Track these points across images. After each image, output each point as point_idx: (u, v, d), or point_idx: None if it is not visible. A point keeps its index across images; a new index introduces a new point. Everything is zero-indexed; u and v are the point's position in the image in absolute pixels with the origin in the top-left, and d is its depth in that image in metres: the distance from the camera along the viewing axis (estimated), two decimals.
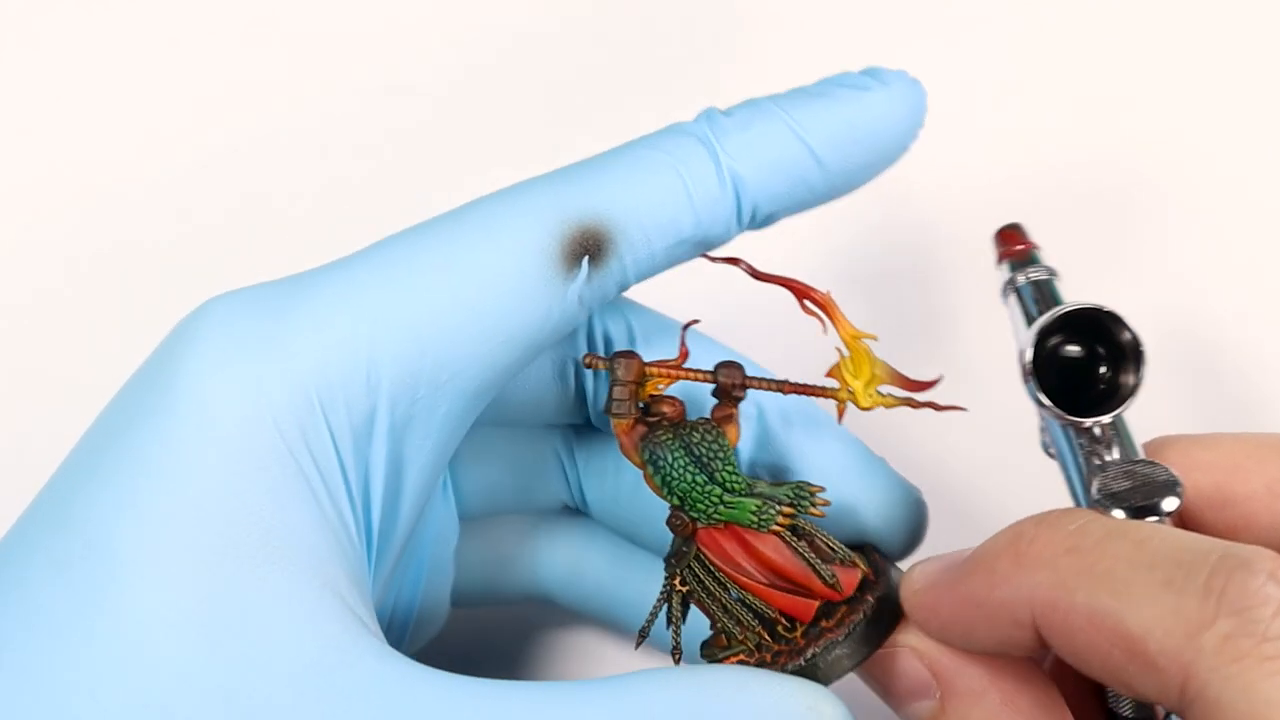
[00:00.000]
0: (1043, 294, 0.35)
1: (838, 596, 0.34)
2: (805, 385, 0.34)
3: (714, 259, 0.33)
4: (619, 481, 0.39)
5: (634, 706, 0.30)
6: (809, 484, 0.34)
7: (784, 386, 0.34)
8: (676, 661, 0.34)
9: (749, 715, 0.30)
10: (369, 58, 0.49)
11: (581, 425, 0.39)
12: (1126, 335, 0.32)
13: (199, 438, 0.29)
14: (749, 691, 0.30)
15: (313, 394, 0.30)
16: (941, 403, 0.33)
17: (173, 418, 0.30)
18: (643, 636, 0.35)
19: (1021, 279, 0.35)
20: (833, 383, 0.33)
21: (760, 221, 0.34)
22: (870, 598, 0.34)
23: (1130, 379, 0.33)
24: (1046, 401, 0.33)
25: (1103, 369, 0.33)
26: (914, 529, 0.37)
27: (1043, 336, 0.33)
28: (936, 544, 0.35)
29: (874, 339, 0.33)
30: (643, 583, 0.39)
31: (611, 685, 0.30)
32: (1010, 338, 0.34)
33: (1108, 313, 0.33)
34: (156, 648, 0.28)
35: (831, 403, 0.34)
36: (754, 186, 0.33)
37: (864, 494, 0.36)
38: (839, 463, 0.36)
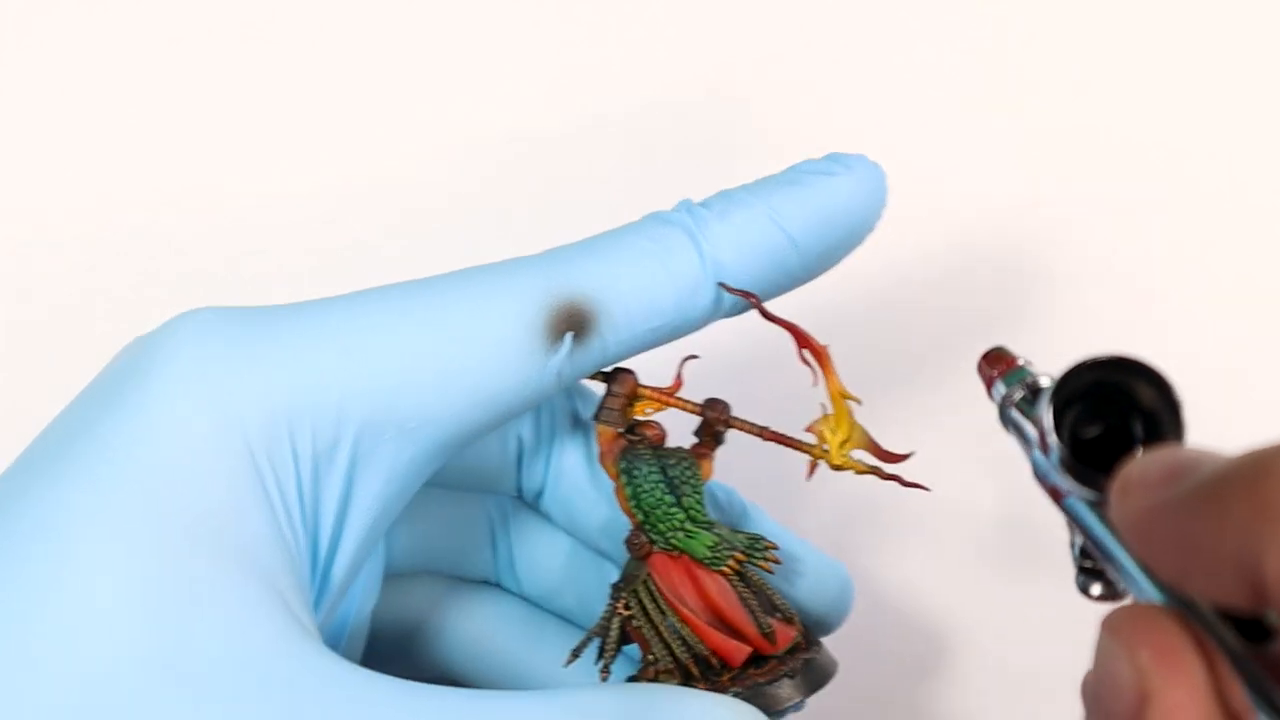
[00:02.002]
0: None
1: (770, 649, 0.35)
2: (784, 436, 0.35)
3: (731, 290, 0.34)
4: (552, 552, 0.39)
5: (575, 707, 0.30)
6: (765, 538, 0.36)
7: (764, 433, 0.35)
8: (604, 680, 0.35)
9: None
10: (373, 146, 0.50)
11: (513, 498, 0.40)
12: (1157, 390, 0.27)
13: (167, 437, 0.30)
14: (684, 704, 0.31)
15: (282, 415, 0.31)
16: (908, 479, 0.34)
17: (143, 415, 0.30)
18: (575, 655, 0.35)
19: (1019, 392, 0.32)
20: (810, 438, 0.35)
21: (738, 309, 0.35)
22: (803, 656, 0.35)
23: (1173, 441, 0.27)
24: (1071, 485, 0.27)
25: (1127, 437, 0.28)
26: (842, 605, 0.38)
27: (1060, 405, 0.28)
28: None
29: (858, 401, 0.34)
30: (555, 652, 0.39)
31: (551, 692, 0.31)
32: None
33: (1132, 363, 0.27)
34: (105, 625, 0.28)
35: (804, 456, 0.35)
36: (735, 273, 0.34)
37: (798, 564, 0.37)
38: (771, 532, 0.37)
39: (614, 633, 0.35)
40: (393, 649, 0.39)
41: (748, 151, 0.48)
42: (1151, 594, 0.25)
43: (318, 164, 0.49)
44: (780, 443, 0.35)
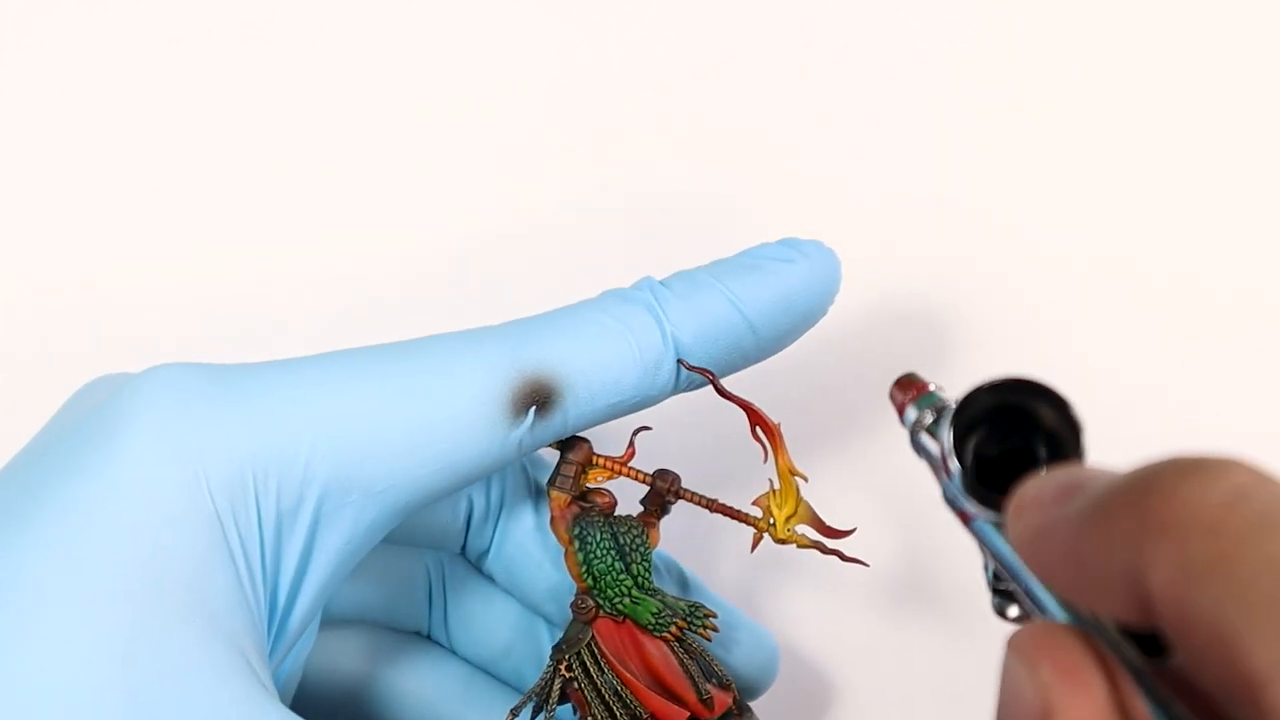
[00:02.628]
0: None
1: (706, 714, 0.36)
2: (730, 508, 0.36)
3: (689, 367, 0.35)
4: (489, 611, 0.40)
5: None
6: (705, 606, 0.37)
7: (712, 505, 0.36)
8: None
9: None
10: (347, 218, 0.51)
11: (453, 555, 0.40)
12: (1057, 411, 0.27)
13: (134, 494, 0.30)
14: None
15: (249, 473, 0.31)
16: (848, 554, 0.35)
17: (109, 472, 0.31)
18: (514, 715, 0.36)
19: (928, 416, 0.30)
20: (756, 511, 0.36)
21: (695, 386, 0.36)
22: None
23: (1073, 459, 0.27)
24: (976, 509, 0.27)
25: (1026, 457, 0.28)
26: (770, 672, 0.39)
27: (962, 428, 0.28)
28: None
29: (805, 479, 0.35)
30: (489, 712, 0.39)
31: None
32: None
33: (1032, 384, 0.27)
34: (75, 683, 0.28)
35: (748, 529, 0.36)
36: (693, 352, 0.35)
37: (733, 633, 0.38)
38: (710, 600, 0.39)
39: (555, 693, 0.36)
40: (325, 697, 0.40)
41: (694, 240, 0.49)
42: (1057, 613, 0.25)
43: (288, 234, 0.49)
44: (727, 515, 0.36)
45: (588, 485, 0.36)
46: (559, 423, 0.34)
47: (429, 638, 0.41)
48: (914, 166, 0.49)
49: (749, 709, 0.37)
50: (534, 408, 0.34)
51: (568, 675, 0.36)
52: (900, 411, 0.31)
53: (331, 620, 0.40)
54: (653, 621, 0.36)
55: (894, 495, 0.45)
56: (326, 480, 0.32)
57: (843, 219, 0.48)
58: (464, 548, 0.39)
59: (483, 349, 0.34)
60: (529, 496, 0.38)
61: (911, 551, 0.44)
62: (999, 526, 0.27)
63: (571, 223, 0.49)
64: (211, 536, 0.31)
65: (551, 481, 0.36)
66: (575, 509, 0.36)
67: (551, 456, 0.37)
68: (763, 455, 0.35)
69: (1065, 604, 0.25)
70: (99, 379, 0.35)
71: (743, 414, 0.35)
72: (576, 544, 0.36)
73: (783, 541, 0.35)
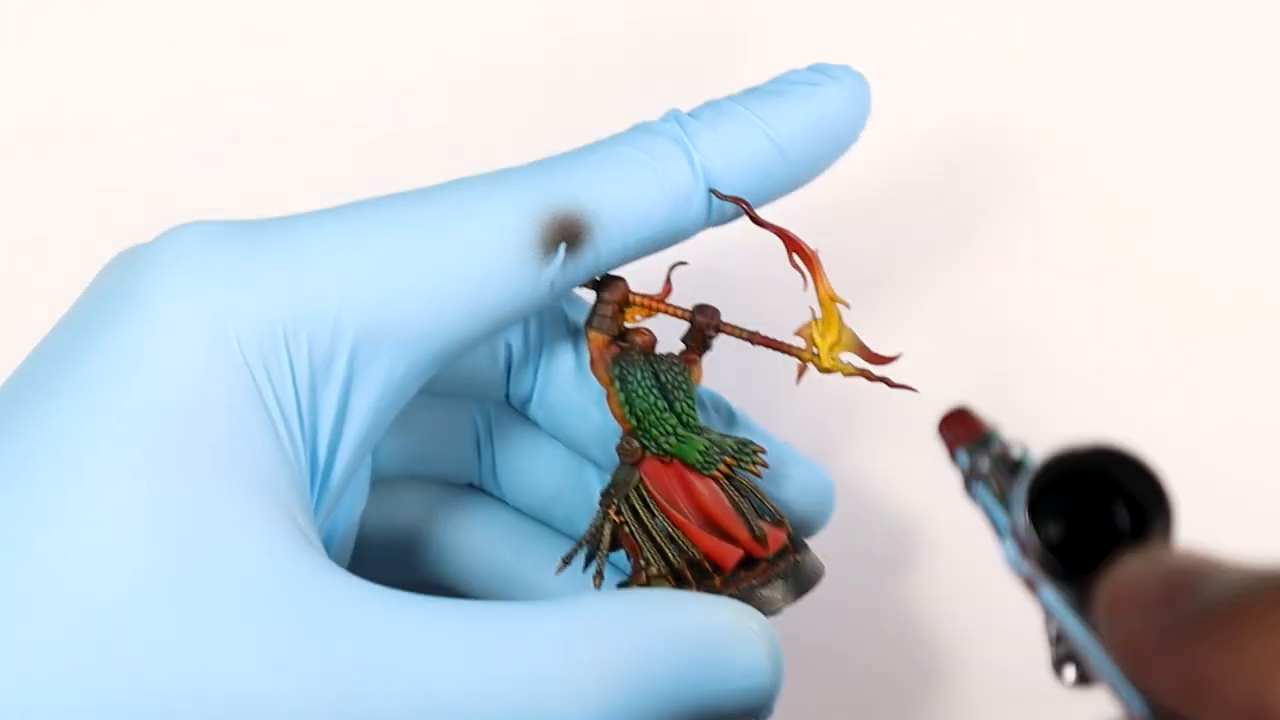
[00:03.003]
0: (1017, 470, 0.27)
1: (761, 551, 0.35)
2: (774, 340, 0.35)
3: (722, 196, 0.34)
4: (537, 457, 0.40)
5: (584, 623, 0.31)
6: (753, 442, 0.36)
7: (754, 338, 0.35)
8: (598, 587, 0.36)
9: (687, 627, 0.31)
10: (361, 61, 0.50)
11: (499, 404, 0.40)
12: (1142, 479, 0.24)
13: (166, 356, 0.30)
14: (685, 606, 0.32)
15: (279, 328, 0.31)
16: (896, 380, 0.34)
17: (140, 334, 0.30)
18: (566, 562, 0.36)
19: (985, 464, 0.27)
20: (799, 341, 0.35)
21: (727, 218, 0.35)
22: (793, 558, 0.36)
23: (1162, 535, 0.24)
24: (1053, 583, 0.24)
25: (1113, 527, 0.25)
26: (826, 507, 0.39)
27: (1035, 498, 0.25)
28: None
29: (847, 305, 0.34)
30: (542, 560, 0.39)
31: (555, 605, 0.31)
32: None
33: (1117, 452, 0.24)
34: (114, 548, 0.28)
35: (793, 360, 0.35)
36: (724, 182, 0.34)
37: (783, 468, 0.38)
38: (758, 436, 0.38)
39: (606, 539, 0.36)
40: (380, 554, 0.40)
41: (727, 66, 0.48)
42: (1134, 704, 0.22)
43: (304, 77, 0.48)
44: (769, 347, 0.35)
45: (626, 325, 0.36)
46: (590, 259, 0.34)
47: (480, 489, 0.41)
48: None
49: (805, 545, 0.37)
50: (564, 244, 0.33)
51: (618, 520, 0.35)
52: (951, 452, 0.28)
53: (383, 477, 0.40)
54: (700, 459, 0.35)
55: (941, 321, 0.44)
56: (358, 331, 0.32)
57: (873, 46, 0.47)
58: (507, 395, 0.39)
59: (508, 188, 0.33)
60: (568, 339, 0.38)
61: (963, 378, 0.44)
62: (1073, 602, 0.24)
63: (595, 60, 0.48)
64: (246, 394, 0.30)
65: (589, 322, 0.36)
66: (615, 349, 0.35)
67: (589, 298, 0.36)
68: (802, 283, 0.34)
69: (1154, 707, 0.22)
70: (125, 251, 0.35)
71: (780, 244, 0.34)
72: (618, 384, 0.35)
73: (828, 370, 0.35)
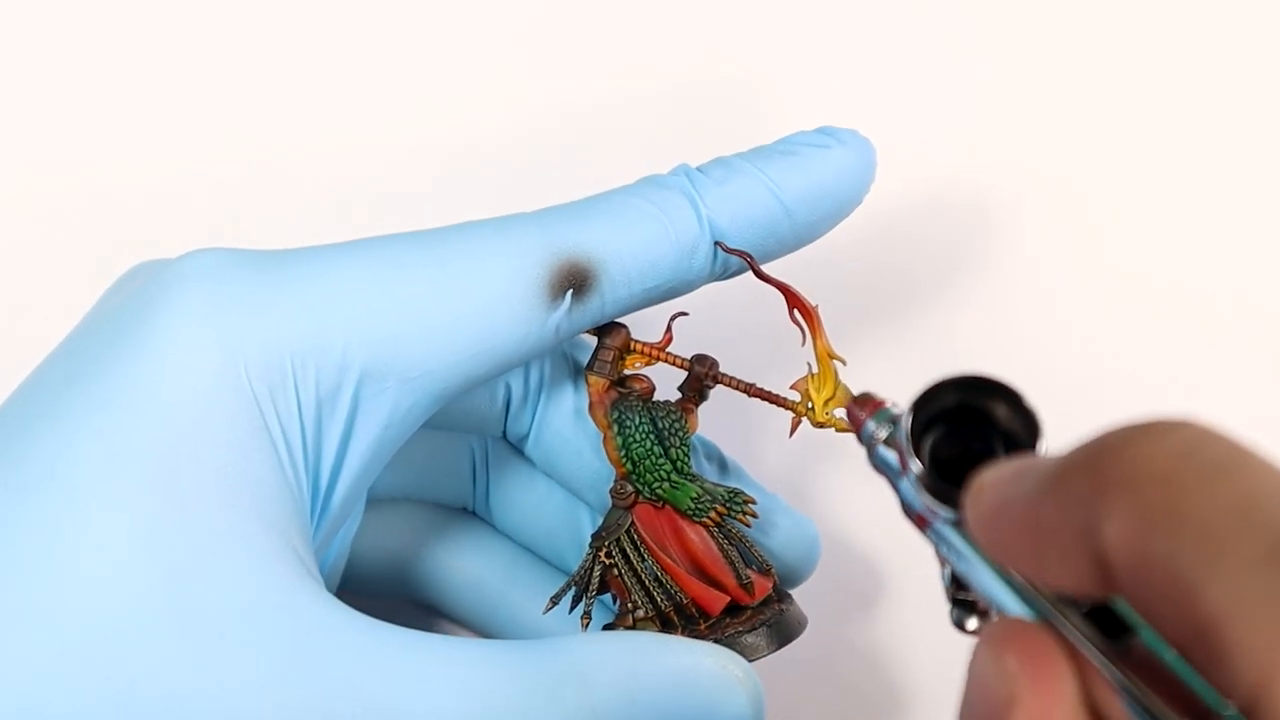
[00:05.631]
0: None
1: (748, 599, 0.36)
2: (769, 392, 0.36)
3: (727, 249, 0.35)
4: (528, 488, 0.40)
5: (573, 665, 0.31)
6: (744, 492, 0.37)
7: (750, 389, 0.36)
8: (585, 627, 0.36)
9: (672, 672, 0.32)
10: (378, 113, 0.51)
11: (497, 439, 0.40)
12: (1014, 408, 0.27)
13: (174, 382, 0.30)
14: (671, 651, 0.32)
15: (287, 359, 0.31)
16: None
17: (149, 360, 0.31)
18: (554, 602, 0.36)
19: (885, 429, 0.30)
20: (795, 395, 0.36)
21: (730, 273, 0.36)
22: (778, 607, 0.36)
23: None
24: (934, 507, 0.27)
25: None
26: (810, 559, 0.39)
27: (919, 427, 0.27)
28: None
29: (844, 362, 0.35)
30: (531, 590, 0.40)
31: (545, 646, 0.32)
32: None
33: (989, 382, 0.27)
34: (113, 573, 0.29)
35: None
36: (729, 237, 0.35)
37: (771, 518, 0.38)
38: (749, 486, 0.39)
39: (595, 581, 0.36)
40: (370, 572, 0.40)
41: (736, 126, 0.49)
42: (1016, 609, 0.25)
43: (324, 126, 0.49)
44: (765, 399, 0.36)
45: (625, 371, 0.36)
46: (596, 307, 0.34)
47: (474, 515, 0.41)
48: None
49: (789, 596, 0.37)
50: (570, 291, 0.34)
51: (608, 562, 0.36)
52: (857, 428, 0.31)
53: (377, 498, 0.40)
54: (692, 506, 0.36)
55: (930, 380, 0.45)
56: (364, 366, 0.32)
57: (878, 110, 0.48)
58: (504, 432, 0.39)
59: (518, 233, 0.34)
60: (568, 383, 0.38)
61: None
62: (957, 526, 0.27)
63: (607, 116, 0.48)
64: (251, 422, 0.31)
65: (589, 366, 0.36)
66: (613, 394, 0.36)
67: (592, 342, 0.37)
68: (801, 339, 0.35)
69: (1025, 597, 0.25)
70: (137, 266, 0.35)
71: (781, 300, 0.35)
72: (615, 428, 0.36)
73: (821, 425, 0.35)
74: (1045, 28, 0.51)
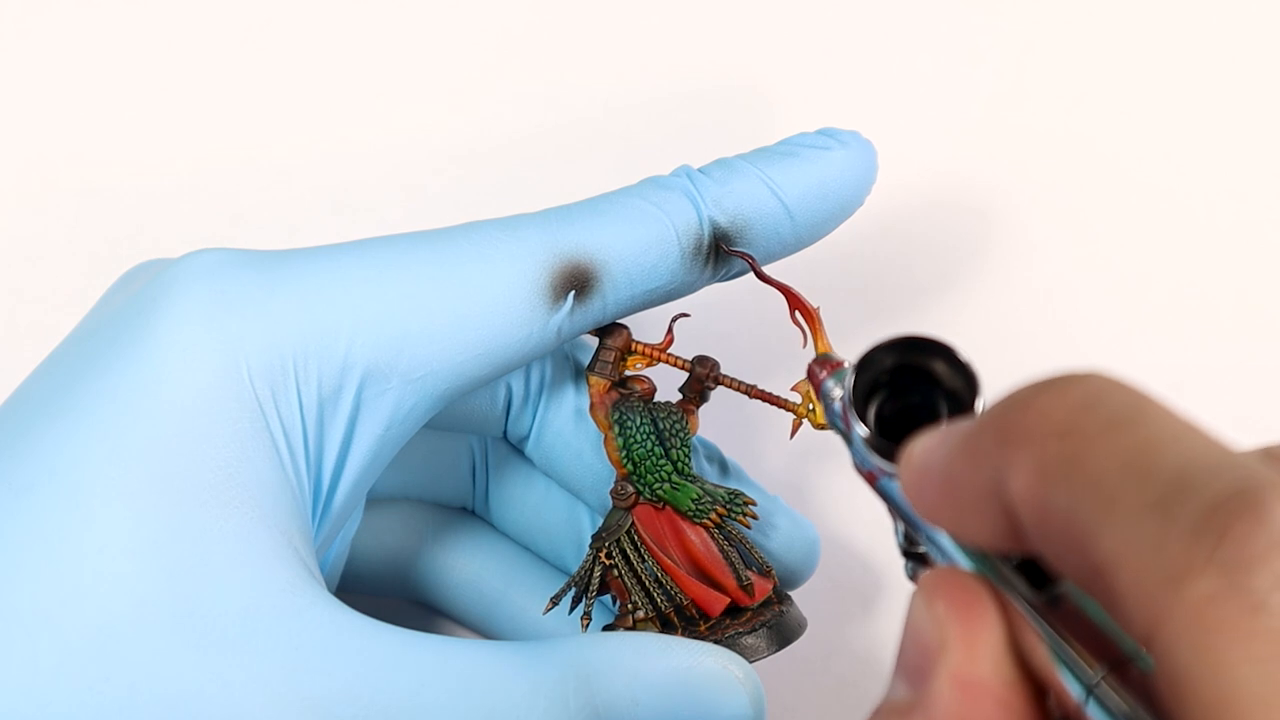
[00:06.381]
0: None
1: (747, 600, 0.36)
2: (770, 394, 0.36)
3: (729, 250, 0.35)
4: (528, 488, 0.40)
5: (574, 667, 0.31)
6: (744, 494, 0.37)
7: (751, 391, 0.36)
8: (585, 628, 0.36)
9: (673, 672, 0.32)
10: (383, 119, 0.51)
11: (497, 439, 0.40)
12: (955, 369, 0.27)
13: (175, 381, 0.30)
14: (672, 652, 0.32)
15: (289, 359, 0.31)
16: None
17: (150, 360, 0.31)
18: (554, 602, 0.36)
19: (838, 389, 0.31)
20: (795, 397, 0.36)
21: (732, 274, 0.36)
22: (777, 609, 0.36)
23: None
24: (881, 464, 0.27)
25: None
26: (810, 560, 0.39)
27: (865, 387, 0.28)
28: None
29: (845, 363, 0.35)
30: (530, 589, 0.40)
31: (546, 646, 0.32)
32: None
33: (930, 342, 0.27)
34: (114, 574, 0.29)
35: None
36: (731, 239, 0.35)
37: (772, 520, 0.38)
38: (749, 488, 0.39)
39: (595, 582, 0.36)
40: (370, 571, 0.40)
41: (741, 129, 0.49)
42: (956, 557, 0.26)
43: (327, 124, 0.49)
44: (766, 400, 0.36)
45: (626, 372, 0.36)
46: (598, 308, 0.34)
47: (474, 514, 0.41)
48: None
49: (789, 597, 0.37)
50: (573, 292, 0.34)
51: (608, 563, 0.36)
52: (817, 388, 0.31)
53: (377, 498, 0.40)
54: (692, 508, 0.36)
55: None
56: (367, 366, 0.32)
57: (878, 111, 0.48)
58: (505, 433, 0.39)
59: (520, 235, 0.34)
60: (569, 383, 0.38)
61: None
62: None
63: (608, 117, 0.48)
64: (253, 422, 0.31)
65: (590, 367, 0.36)
66: (614, 395, 0.36)
67: (593, 343, 0.37)
68: (802, 340, 0.35)
69: (963, 548, 0.26)
70: (137, 266, 0.35)
71: (782, 301, 0.35)
72: (616, 429, 0.36)
73: (822, 427, 0.35)
74: (1045, 28, 0.51)
